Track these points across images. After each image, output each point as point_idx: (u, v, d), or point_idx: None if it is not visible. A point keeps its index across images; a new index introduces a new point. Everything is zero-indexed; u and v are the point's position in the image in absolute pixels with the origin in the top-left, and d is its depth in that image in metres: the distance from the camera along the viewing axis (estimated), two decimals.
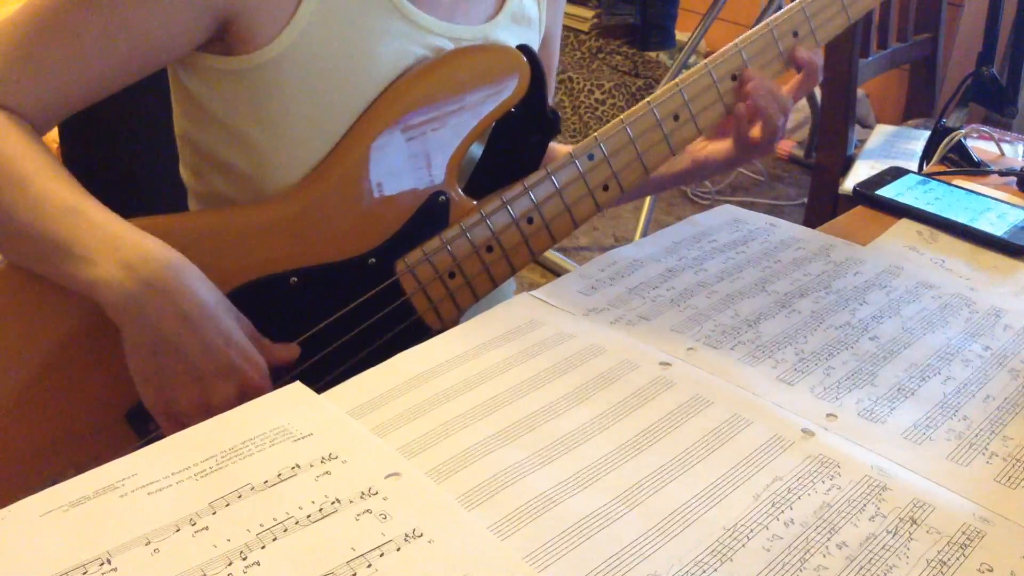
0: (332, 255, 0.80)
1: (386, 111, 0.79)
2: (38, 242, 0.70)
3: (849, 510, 0.55)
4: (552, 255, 2.40)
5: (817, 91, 2.70)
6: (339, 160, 0.79)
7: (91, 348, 0.74)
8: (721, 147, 0.96)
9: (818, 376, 0.68)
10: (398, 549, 0.50)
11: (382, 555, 0.50)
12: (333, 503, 0.53)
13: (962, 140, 1.16)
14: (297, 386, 0.63)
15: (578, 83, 2.99)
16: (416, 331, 0.83)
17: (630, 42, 2.96)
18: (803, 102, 3.03)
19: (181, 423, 0.71)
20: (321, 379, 0.67)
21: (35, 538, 0.50)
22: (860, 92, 2.65)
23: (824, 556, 0.52)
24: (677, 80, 0.86)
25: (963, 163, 1.15)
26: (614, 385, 0.66)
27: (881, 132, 1.89)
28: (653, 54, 2.90)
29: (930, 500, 0.57)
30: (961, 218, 0.96)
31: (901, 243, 0.92)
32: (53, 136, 0.94)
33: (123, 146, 1.05)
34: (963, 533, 0.54)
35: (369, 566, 0.49)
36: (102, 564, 0.48)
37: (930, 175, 1.08)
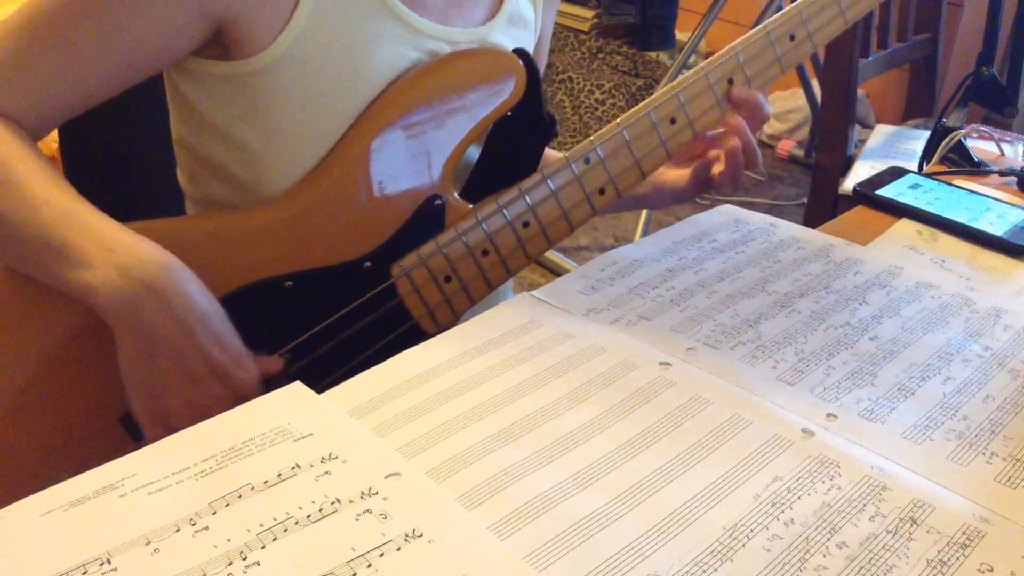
0: (328, 259, 0.80)
1: (382, 114, 0.79)
2: (32, 245, 0.70)
3: (849, 510, 0.55)
4: (552, 255, 2.40)
5: (817, 91, 2.70)
6: (335, 164, 0.79)
7: (86, 352, 0.74)
8: (677, 177, 0.96)
9: (818, 376, 0.68)
10: (398, 549, 0.50)
11: (382, 555, 0.50)
12: (333, 503, 0.53)
13: (962, 140, 1.16)
14: (297, 386, 0.63)
15: (578, 83, 2.99)
16: (412, 335, 0.83)
17: (630, 42, 2.96)
18: (803, 101, 3.03)
19: (170, 428, 0.71)
20: (316, 384, 0.67)
21: (35, 538, 0.50)
22: (860, 92, 2.65)
23: (824, 556, 0.52)
24: (674, 84, 0.86)
25: (963, 163, 1.15)
26: (614, 385, 0.66)
27: (881, 132, 1.89)
28: (653, 54, 2.89)
29: (930, 500, 0.57)
30: (961, 218, 0.96)
31: (901, 243, 0.92)
32: (53, 138, 0.94)
33: (120, 151, 1.06)
34: (963, 533, 0.54)
35: (369, 566, 0.49)
36: (102, 564, 0.48)
37: (930, 175, 1.08)
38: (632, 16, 2.90)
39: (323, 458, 0.56)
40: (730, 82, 0.87)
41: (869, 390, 0.67)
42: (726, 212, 0.94)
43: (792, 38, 0.88)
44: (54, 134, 0.86)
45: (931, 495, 0.57)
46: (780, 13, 0.89)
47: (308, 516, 0.52)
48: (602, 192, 0.86)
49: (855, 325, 0.75)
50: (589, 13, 3.02)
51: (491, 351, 0.69)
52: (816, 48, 0.91)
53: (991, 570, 0.52)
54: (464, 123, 0.82)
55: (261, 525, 0.51)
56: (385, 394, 0.63)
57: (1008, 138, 1.26)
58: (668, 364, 0.68)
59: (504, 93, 0.83)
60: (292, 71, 0.76)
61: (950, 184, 1.04)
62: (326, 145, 0.79)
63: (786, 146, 3.12)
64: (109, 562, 0.48)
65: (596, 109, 2.97)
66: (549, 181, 0.83)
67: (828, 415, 0.64)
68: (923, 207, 0.98)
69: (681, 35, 2.88)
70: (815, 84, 2.79)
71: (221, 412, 0.70)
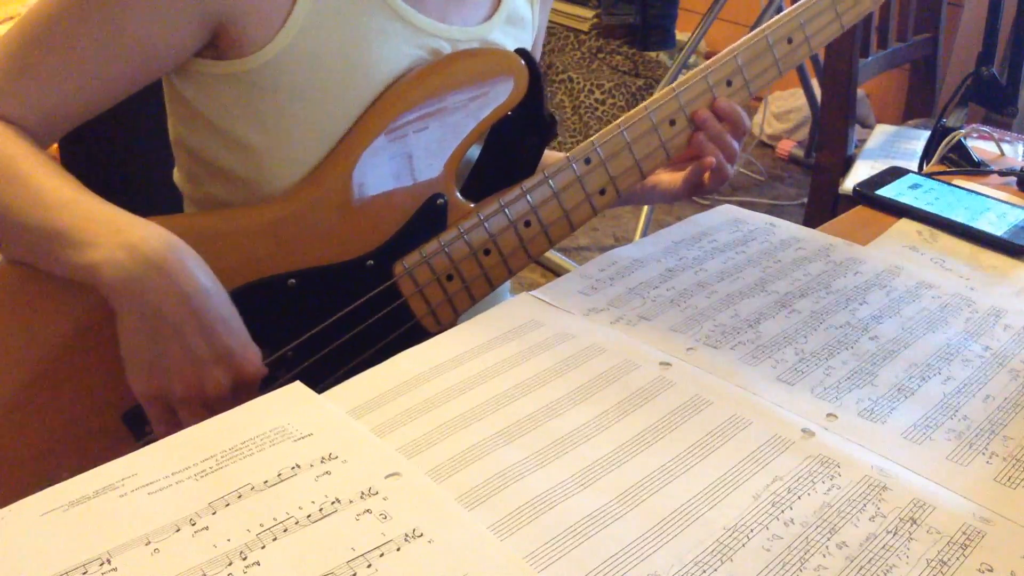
0: (330, 257, 0.80)
1: (384, 113, 0.79)
2: (38, 233, 0.70)
3: (849, 510, 0.55)
4: (552, 255, 2.40)
5: (817, 91, 2.70)
6: (337, 162, 0.79)
7: (88, 349, 0.74)
8: (671, 180, 0.97)
9: (818, 376, 0.68)
10: (398, 549, 0.50)
11: (382, 555, 0.50)
12: (333, 503, 0.53)
13: (962, 140, 1.16)
14: (297, 386, 0.63)
15: (578, 83, 2.99)
16: (413, 334, 0.83)
17: (630, 42, 2.95)
18: (803, 101, 3.03)
19: (171, 410, 0.71)
20: (319, 382, 0.67)
21: (35, 538, 0.50)
22: (860, 92, 2.64)
23: (824, 556, 0.52)
24: (673, 85, 0.86)
25: (963, 163, 1.15)
26: (614, 385, 0.66)
27: (881, 132, 1.89)
28: (653, 54, 2.89)
29: (930, 500, 0.57)
30: (961, 218, 0.96)
31: (901, 243, 0.92)
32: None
33: (119, 151, 1.06)
34: (963, 533, 0.54)
35: (369, 566, 0.49)
36: (102, 564, 0.48)
37: (930, 175, 1.08)
38: (632, 16, 2.89)
39: (323, 458, 0.56)
40: (728, 84, 0.87)
41: (869, 390, 0.67)
42: (726, 212, 0.94)
43: (790, 41, 0.89)
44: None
45: (931, 495, 0.57)
46: (778, 17, 0.90)
47: (308, 516, 0.52)
48: (603, 192, 0.86)
49: (855, 325, 0.75)
50: (589, 13, 3.02)
51: (491, 351, 0.69)
52: (813, 51, 0.91)
53: (991, 570, 0.52)
54: (466, 122, 0.82)
55: (261, 525, 0.51)
56: (385, 394, 0.63)
57: (1008, 138, 1.26)
58: (668, 364, 0.68)
59: (506, 93, 0.83)
60: (291, 69, 0.76)
61: (950, 184, 1.04)
62: (327, 144, 0.79)
63: (786, 146, 3.12)
64: (109, 562, 0.48)
65: (596, 109, 2.96)
66: (551, 181, 0.84)
67: (828, 415, 0.64)
68: (923, 207, 0.98)
69: (681, 35, 2.88)
70: (815, 84, 2.79)
71: (222, 393, 0.70)
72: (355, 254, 0.80)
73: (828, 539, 0.53)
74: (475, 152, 0.87)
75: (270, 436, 0.58)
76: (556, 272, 2.36)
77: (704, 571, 0.51)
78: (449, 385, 0.65)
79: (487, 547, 0.51)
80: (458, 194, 0.84)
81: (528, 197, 0.83)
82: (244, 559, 0.49)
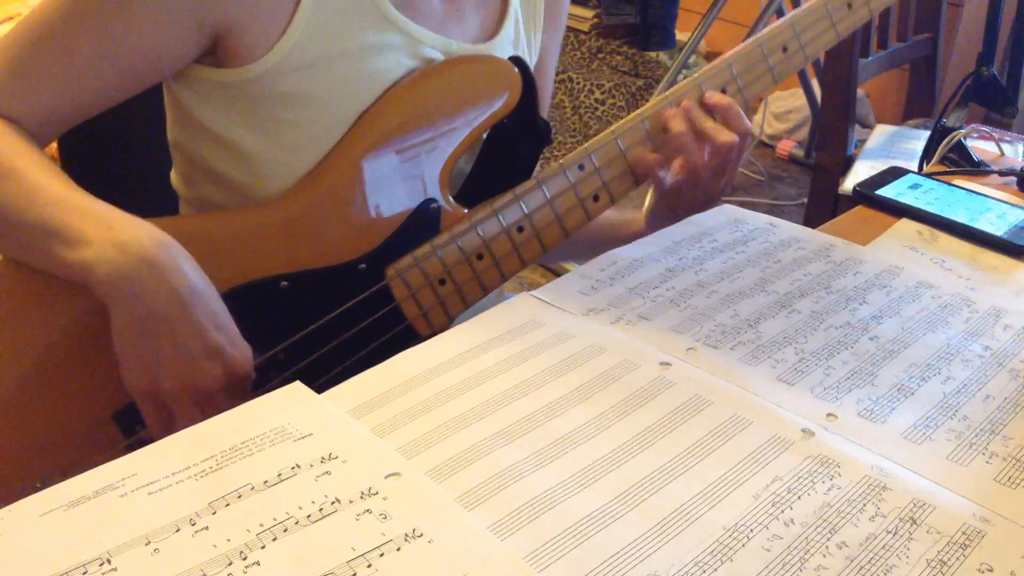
0: (323, 260, 0.80)
1: (379, 119, 0.80)
2: (31, 230, 0.70)
3: (849, 510, 0.55)
4: None
5: (817, 91, 2.70)
6: (332, 167, 0.79)
7: (79, 349, 0.75)
8: (632, 216, 0.95)
9: (818, 376, 0.68)
10: (398, 549, 0.50)
11: (382, 555, 0.50)
12: (333, 503, 0.53)
13: (962, 140, 1.16)
14: (297, 386, 0.63)
15: (578, 83, 2.99)
16: (406, 338, 0.83)
17: (630, 42, 2.96)
18: (803, 101, 3.03)
19: (164, 407, 0.71)
20: (310, 385, 0.67)
21: (35, 538, 0.50)
22: (860, 92, 2.64)
23: (824, 556, 0.52)
24: (667, 93, 0.86)
25: (963, 163, 1.15)
26: (614, 385, 0.66)
27: (881, 132, 1.89)
28: (653, 54, 2.89)
29: (930, 500, 0.57)
30: (961, 218, 0.96)
31: (901, 243, 0.92)
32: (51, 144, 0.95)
33: (115, 152, 1.06)
34: (963, 533, 0.54)
35: (369, 566, 0.49)
36: (102, 564, 0.48)
37: (930, 175, 1.08)
38: (632, 16, 2.90)
39: (323, 458, 0.56)
40: (723, 91, 0.87)
41: (869, 390, 0.67)
42: (726, 212, 0.94)
43: (785, 50, 0.89)
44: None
45: (931, 495, 0.57)
46: (773, 25, 0.89)
47: (308, 516, 0.52)
48: (596, 199, 0.86)
49: (855, 325, 0.75)
50: (589, 13, 3.02)
51: (491, 351, 0.69)
52: (808, 60, 0.91)
53: (991, 570, 0.52)
54: (460, 129, 0.82)
55: (261, 525, 0.51)
56: (385, 394, 0.63)
57: (1008, 138, 1.26)
58: (668, 364, 0.68)
59: (500, 99, 0.83)
60: (288, 79, 0.77)
61: (950, 184, 1.04)
62: (323, 150, 0.80)
63: (786, 146, 3.12)
64: (109, 562, 0.48)
65: (596, 109, 2.96)
66: (544, 187, 0.84)
67: (828, 415, 0.64)
68: (923, 207, 0.98)
69: (681, 35, 2.88)
70: (815, 84, 2.79)
71: (213, 391, 0.70)
72: (348, 258, 0.80)
73: (828, 539, 0.53)
74: (470, 159, 0.87)
75: (270, 436, 0.58)
76: (556, 272, 2.36)
77: (704, 571, 0.51)
78: (449, 385, 0.65)
79: (487, 547, 0.51)
80: (451, 199, 0.84)
81: (521, 202, 0.83)
82: (244, 559, 0.49)
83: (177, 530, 0.50)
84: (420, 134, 0.81)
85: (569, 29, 3.06)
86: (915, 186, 1.03)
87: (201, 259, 0.73)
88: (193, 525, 0.51)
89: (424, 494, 0.54)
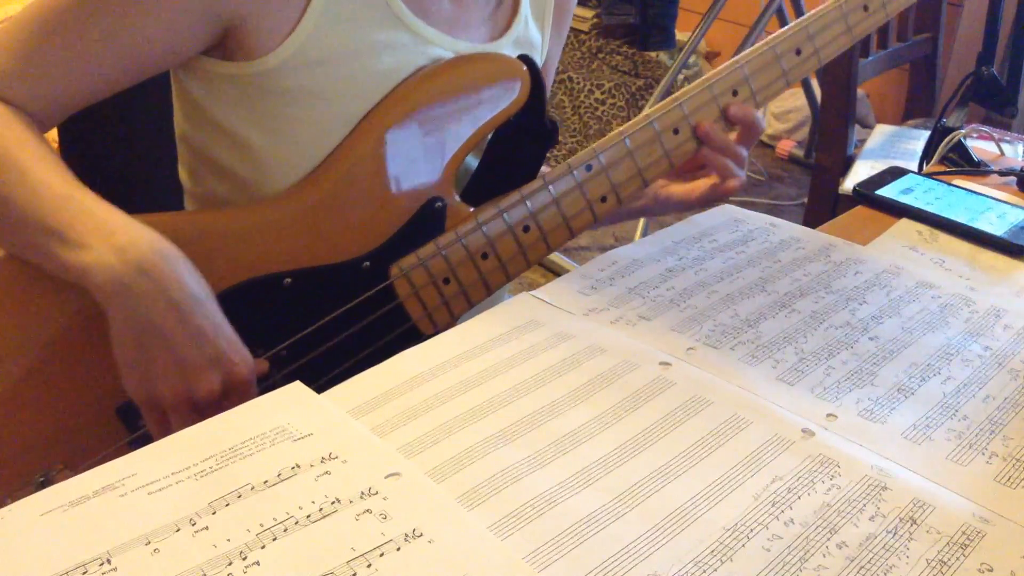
0: (327, 257, 0.80)
1: (385, 117, 0.79)
2: (32, 228, 0.70)
3: (849, 510, 0.55)
4: (552, 255, 2.40)
5: (817, 91, 2.70)
6: (337, 164, 0.79)
7: (83, 343, 0.75)
8: (683, 191, 0.95)
9: (818, 376, 0.68)
10: (398, 549, 0.50)
11: (382, 555, 0.50)
12: (333, 503, 0.53)
13: (962, 140, 1.16)
14: (297, 386, 0.63)
15: (578, 83, 2.99)
16: (409, 336, 0.83)
17: (630, 42, 2.95)
18: (803, 101, 3.03)
19: (164, 412, 0.71)
20: (313, 383, 0.67)
21: (35, 538, 0.50)
22: (860, 92, 2.64)
23: (824, 556, 0.52)
24: (677, 95, 0.86)
25: (963, 163, 1.15)
26: (614, 385, 0.66)
27: (881, 132, 1.89)
28: (653, 54, 2.89)
29: (930, 500, 0.57)
30: (961, 218, 0.96)
31: (901, 243, 0.92)
32: (52, 133, 0.95)
33: (121, 145, 1.06)
34: (963, 533, 0.54)
35: (369, 566, 0.49)
36: (102, 564, 0.48)
37: (930, 175, 1.08)
38: (632, 16, 2.90)
39: (323, 458, 0.56)
40: (734, 94, 0.87)
41: (869, 390, 0.67)
42: (726, 212, 0.94)
43: (798, 53, 0.88)
44: (54, 129, 0.86)
45: (931, 495, 0.57)
46: (786, 27, 0.89)
47: (308, 516, 0.52)
48: (603, 200, 0.85)
49: (855, 325, 0.75)
50: (589, 13, 3.02)
51: (491, 351, 0.69)
52: (822, 63, 0.90)
53: (991, 570, 0.52)
54: (467, 126, 0.82)
55: (261, 525, 0.51)
56: (385, 394, 0.63)
57: (1008, 138, 1.26)
58: (668, 364, 0.68)
59: (508, 98, 0.83)
60: (297, 75, 0.77)
61: (950, 184, 1.04)
62: (328, 147, 0.80)
63: (786, 146, 3.12)
64: (109, 562, 0.48)
65: (596, 109, 2.96)
66: (551, 187, 0.83)
67: (828, 415, 0.64)
68: (923, 207, 0.98)
69: (681, 35, 2.88)
70: (815, 84, 2.79)
71: (213, 399, 0.70)
72: (352, 255, 0.80)
73: (828, 539, 0.53)
74: (476, 158, 0.87)
75: (270, 436, 0.58)
76: (556, 272, 2.36)
77: (704, 571, 0.51)
78: (449, 385, 0.65)
79: (487, 547, 0.51)
80: (457, 198, 0.83)
81: (527, 203, 0.83)
82: (244, 559, 0.49)
83: (177, 530, 0.50)
84: (427, 131, 0.81)
85: (569, 29, 3.07)
86: (915, 186, 1.03)
87: (204, 255, 0.73)
88: (193, 525, 0.51)
89: (424, 494, 0.54)
